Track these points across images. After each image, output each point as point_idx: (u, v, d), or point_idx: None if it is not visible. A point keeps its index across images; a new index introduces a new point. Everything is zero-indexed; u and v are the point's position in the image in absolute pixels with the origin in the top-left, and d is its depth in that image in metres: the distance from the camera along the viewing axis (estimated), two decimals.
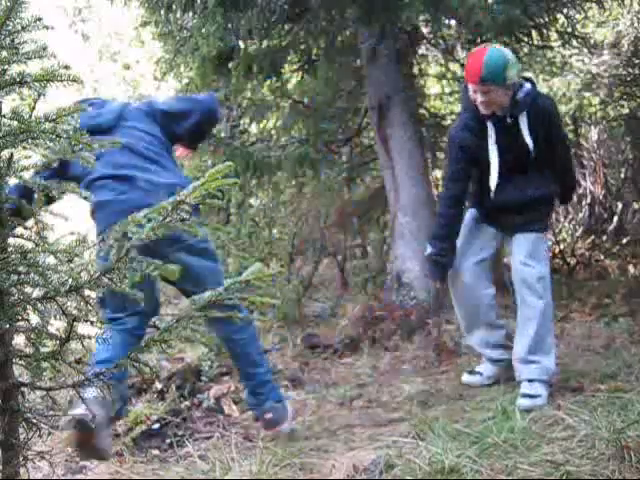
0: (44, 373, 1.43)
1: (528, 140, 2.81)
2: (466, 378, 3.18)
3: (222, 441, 2.65)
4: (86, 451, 2.32)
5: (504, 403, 2.64)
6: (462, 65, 5.79)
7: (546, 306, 2.82)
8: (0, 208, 1.38)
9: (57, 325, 1.52)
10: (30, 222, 1.46)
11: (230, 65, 5.00)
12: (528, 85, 2.84)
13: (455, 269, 3.00)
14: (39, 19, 1.29)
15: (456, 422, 2.44)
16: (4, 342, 1.40)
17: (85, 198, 1.52)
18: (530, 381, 2.75)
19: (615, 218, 6.20)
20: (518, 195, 2.93)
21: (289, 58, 5.45)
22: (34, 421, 1.45)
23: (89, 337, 1.57)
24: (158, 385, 3.20)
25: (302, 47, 5.34)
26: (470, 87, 2.80)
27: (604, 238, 6.16)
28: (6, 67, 1.29)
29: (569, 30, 4.98)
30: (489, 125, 2.85)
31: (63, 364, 1.46)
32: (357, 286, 5.46)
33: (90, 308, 1.43)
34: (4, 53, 1.30)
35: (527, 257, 2.86)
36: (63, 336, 1.44)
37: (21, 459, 1.43)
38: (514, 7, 3.86)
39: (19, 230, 1.43)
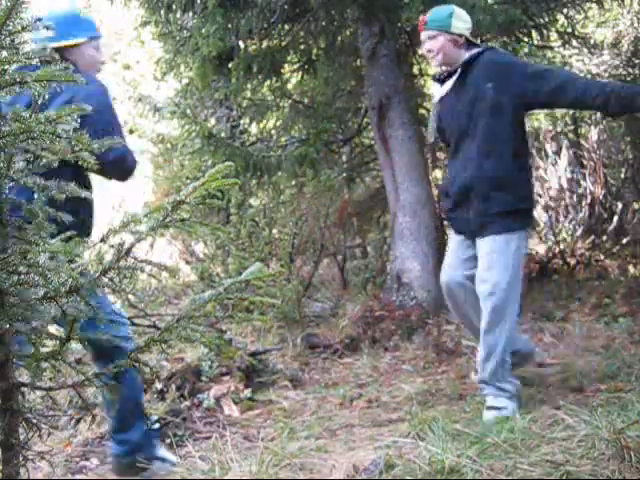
0: (44, 373, 1.44)
1: (471, 92, 2.68)
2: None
3: (222, 441, 2.64)
4: None
5: None
6: None
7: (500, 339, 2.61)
8: (0, 208, 1.38)
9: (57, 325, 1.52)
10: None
11: (230, 65, 5.00)
12: (480, 49, 2.77)
13: (444, 283, 2.82)
14: (39, 19, 1.29)
15: (456, 422, 2.44)
16: (4, 342, 1.40)
17: (85, 198, 1.52)
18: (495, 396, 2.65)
19: (615, 218, 6.20)
20: (461, 175, 2.72)
21: (289, 58, 5.46)
22: (34, 421, 1.45)
23: (89, 337, 1.57)
24: (158, 385, 3.19)
25: (302, 47, 5.34)
26: (422, 40, 2.83)
27: (604, 238, 6.16)
28: (6, 67, 1.29)
29: (569, 30, 4.99)
30: (436, 86, 2.84)
31: (63, 364, 1.46)
32: (357, 286, 5.45)
33: (90, 308, 1.43)
34: (4, 53, 1.30)
35: (483, 276, 2.62)
36: (63, 336, 1.45)
37: (21, 459, 1.43)
38: (514, 7, 3.87)
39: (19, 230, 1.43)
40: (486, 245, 2.65)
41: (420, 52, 5.86)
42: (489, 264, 2.62)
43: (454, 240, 2.87)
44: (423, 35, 2.81)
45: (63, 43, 2.33)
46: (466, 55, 2.75)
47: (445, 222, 6.44)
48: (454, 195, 2.79)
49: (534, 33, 4.83)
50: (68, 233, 1.49)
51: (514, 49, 5.05)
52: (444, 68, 2.82)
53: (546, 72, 2.69)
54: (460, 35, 2.76)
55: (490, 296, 2.60)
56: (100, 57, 2.50)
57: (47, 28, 1.32)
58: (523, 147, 2.76)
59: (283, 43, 5.16)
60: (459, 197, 2.76)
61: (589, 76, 6.29)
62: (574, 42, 5.09)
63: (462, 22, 2.79)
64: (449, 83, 2.80)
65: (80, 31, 2.41)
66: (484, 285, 2.62)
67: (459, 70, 2.75)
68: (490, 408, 2.62)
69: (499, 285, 2.59)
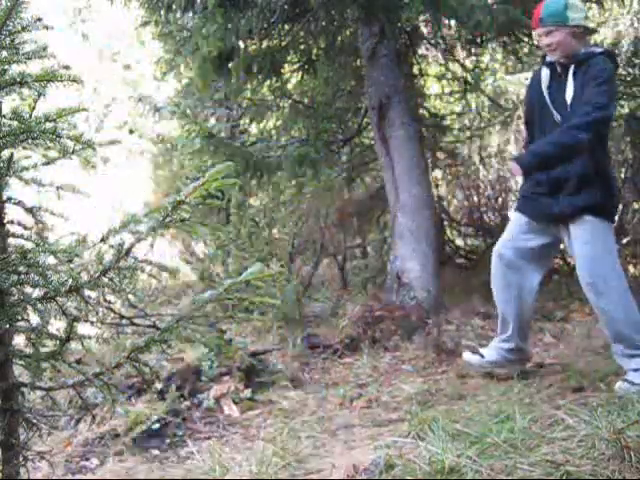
0: (44, 373, 1.44)
1: (569, 91, 2.68)
2: (467, 356, 3.20)
3: (222, 441, 2.65)
4: None
5: (504, 403, 2.64)
6: (462, 65, 5.80)
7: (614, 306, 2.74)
8: (0, 208, 1.38)
9: (57, 325, 1.52)
10: (30, 222, 1.46)
11: (230, 65, 5.00)
12: (598, 50, 2.76)
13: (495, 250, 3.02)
14: (39, 19, 1.29)
15: (456, 422, 2.43)
16: (4, 342, 1.40)
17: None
18: (635, 370, 2.71)
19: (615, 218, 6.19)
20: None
21: (289, 58, 5.45)
22: (34, 421, 1.45)
23: (89, 337, 1.57)
24: (158, 385, 3.19)
25: (302, 47, 5.34)
26: (538, 35, 2.81)
27: None
28: (6, 67, 1.29)
29: None
30: (543, 70, 2.82)
31: (63, 364, 1.46)
32: (357, 286, 5.45)
33: (90, 308, 1.44)
34: (4, 53, 1.30)
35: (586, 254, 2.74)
36: (63, 336, 1.45)
37: (21, 459, 1.43)
38: (514, 7, 3.86)
39: (19, 230, 1.43)
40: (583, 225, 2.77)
41: (420, 52, 5.88)
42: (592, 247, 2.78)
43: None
44: (539, 31, 2.78)
45: None
46: (582, 50, 2.74)
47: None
48: (549, 180, 2.81)
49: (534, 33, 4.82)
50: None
51: (514, 49, 5.05)
52: (562, 60, 2.78)
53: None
54: (578, 26, 2.74)
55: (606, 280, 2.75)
56: None
57: (46, 28, 1.32)
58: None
59: (283, 43, 5.16)
60: (555, 183, 2.79)
61: None
62: None
63: (578, 12, 2.75)
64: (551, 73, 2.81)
65: None
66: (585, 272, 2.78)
67: (572, 67, 2.73)
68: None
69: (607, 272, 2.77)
